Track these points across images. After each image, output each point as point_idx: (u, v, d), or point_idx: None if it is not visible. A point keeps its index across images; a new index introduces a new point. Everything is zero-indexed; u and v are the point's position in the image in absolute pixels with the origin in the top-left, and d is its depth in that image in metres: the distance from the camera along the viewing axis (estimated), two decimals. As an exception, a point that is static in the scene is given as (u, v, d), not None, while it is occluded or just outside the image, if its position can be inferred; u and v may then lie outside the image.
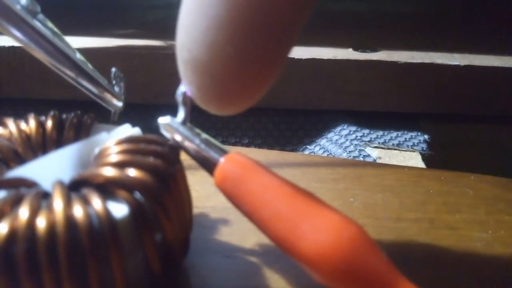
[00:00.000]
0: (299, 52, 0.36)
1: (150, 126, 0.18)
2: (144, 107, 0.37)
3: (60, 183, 0.14)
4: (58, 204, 0.13)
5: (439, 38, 0.42)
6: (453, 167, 0.25)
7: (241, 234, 0.20)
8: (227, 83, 0.14)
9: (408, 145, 0.35)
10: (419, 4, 0.54)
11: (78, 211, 0.13)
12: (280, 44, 0.14)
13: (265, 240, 0.15)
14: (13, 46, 0.35)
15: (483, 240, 0.20)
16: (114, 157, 0.15)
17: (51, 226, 0.13)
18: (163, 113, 0.18)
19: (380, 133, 0.36)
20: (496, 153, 0.38)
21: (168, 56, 0.36)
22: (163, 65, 0.36)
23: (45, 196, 0.14)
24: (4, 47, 0.35)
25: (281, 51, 0.14)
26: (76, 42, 0.19)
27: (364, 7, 0.53)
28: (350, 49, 0.38)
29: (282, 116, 0.38)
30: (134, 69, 0.36)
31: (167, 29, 0.43)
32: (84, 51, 0.19)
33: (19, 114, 0.19)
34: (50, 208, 0.13)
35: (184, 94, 0.17)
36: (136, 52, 0.36)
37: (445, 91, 0.37)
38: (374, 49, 0.39)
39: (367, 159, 0.32)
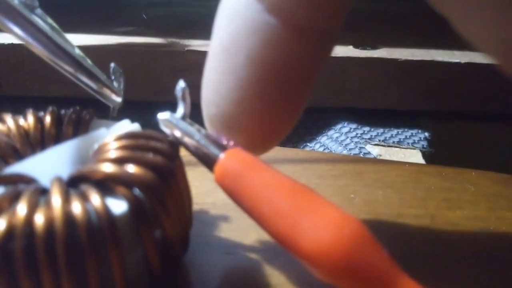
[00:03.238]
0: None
1: (149, 124, 0.18)
2: (143, 105, 0.37)
3: (59, 179, 0.14)
4: (56, 200, 0.13)
5: (439, 36, 0.42)
6: (454, 164, 0.25)
7: (241, 230, 0.19)
8: (254, 134, 0.16)
9: (408, 143, 0.34)
10: (420, 2, 0.54)
11: (76, 208, 0.13)
12: (301, 96, 0.16)
13: (265, 236, 0.15)
14: (12, 44, 0.35)
15: (484, 236, 0.20)
16: (113, 153, 0.15)
17: (49, 223, 0.13)
18: (163, 110, 0.18)
19: (381, 130, 0.36)
20: (496, 151, 0.38)
21: (167, 54, 0.36)
22: (162, 63, 0.36)
23: (44, 192, 0.14)
24: (3, 44, 0.35)
25: (302, 101, 0.16)
26: (76, 39, 0.18)
27: (365, 4, 0.53)
28: (351, 47, 0.38)
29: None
30: (134, 66, 0.36)
31: (167, 26, 0.43)
32: (83, 49, 0.19)
33: (19, 112, 0.18)
34: (48, 205, 0.13)
35: (184, 89, 0.17)
36: (136, 49, 0.36)
37: (445, 89, 0.37)
38: (374, 47, 0.38)
39: (368, 157, 0.32)
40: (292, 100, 0.16)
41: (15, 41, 0.35)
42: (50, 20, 0.18)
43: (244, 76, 0.15)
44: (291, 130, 0.17)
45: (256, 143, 0.17)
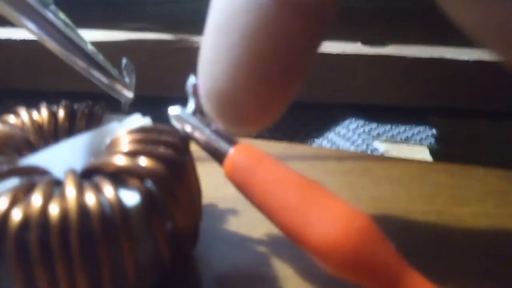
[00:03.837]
0: (307, 46, 0.36)
1: (160, 119, 0.18)
2: (154, 100, 0.37)
3: (73, 171, 0.14)
4: (70, 191, 0.13)
5: (448, 33, 0.41)
6: (461, 162, 0.25)
7: (250, 224, 0.20)
8: (249, 110, 0.16)
9: (416, 140, 0.35)
10: (429, -1, 0.53)
11: (90, 199, 0.13)
12: (296, 74, 0.16)
13: (274, 230, 0.15)
14: (25, 40, 0.35)
15: (491, 233, 0.20)
16: (126, 146, 0.15)
17: (64, 213, 0.13)
18: (173, 105, 0.18)
19: (388, 127, 0.36)
20: (504, 148, 0.38)
21: (177, 50, 0.36)
22: (172, 59, 0.36)
23: (58, 184, 0.14)
24: (16, 40, 0.36)
25: (297, 79, 0.16)
26: (86, 35, 0.19)
27: (373, 1, 0.53)
28: (359, 44, 0.38)
29: (289, 110, 0.38)
30: (144, 62, 0.36)
31: (176, 23, 0.43)
32: (94, 45, 0.19)
33: (31, 106, 0.19)
34: (62, 196, 0.13)
35: (194, 85, 0.17)
36: (146, 46, 0.37)
37: (454, 86, 0.37)
38: (383, 44, 0.38)
39: (375, 153, 0.32)
40: (287, 78, 0.16)
41: (28, 36, 0.35)
42: (63, 16, 0.18)
43: (239, 54, 0.15)
44: (285, 109, 0.17)
45: (250, 120, 0.17)
